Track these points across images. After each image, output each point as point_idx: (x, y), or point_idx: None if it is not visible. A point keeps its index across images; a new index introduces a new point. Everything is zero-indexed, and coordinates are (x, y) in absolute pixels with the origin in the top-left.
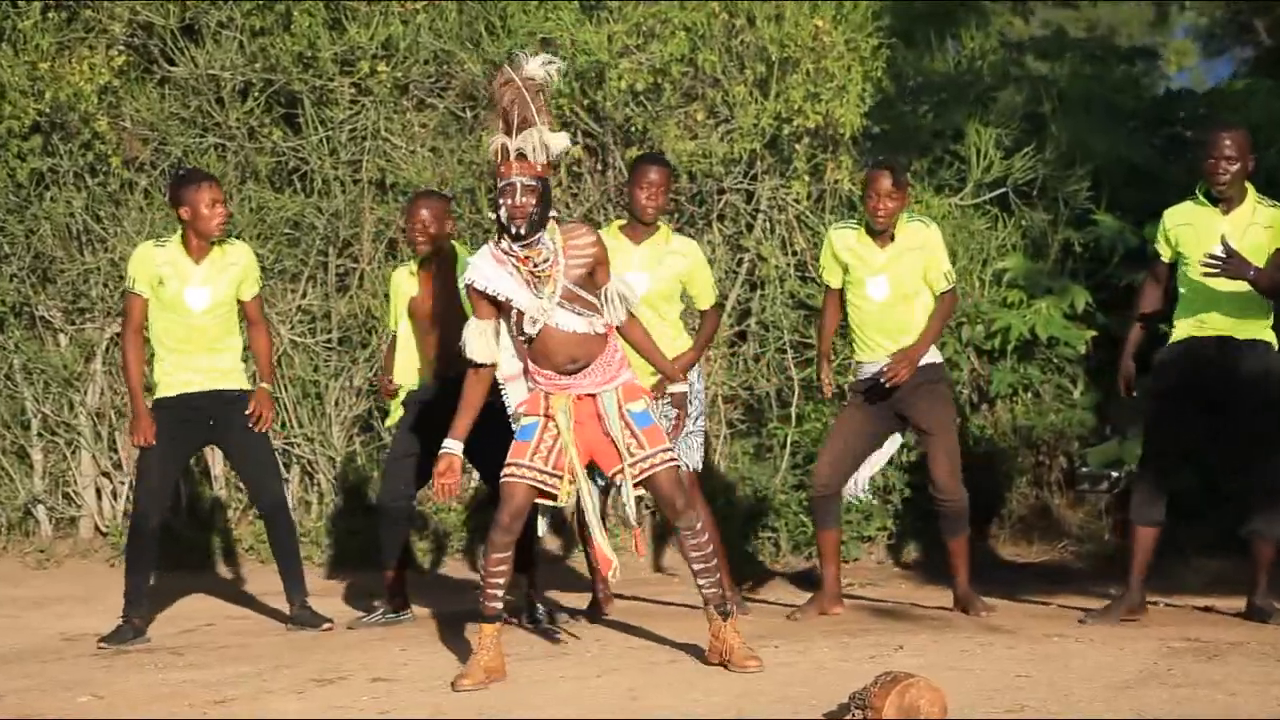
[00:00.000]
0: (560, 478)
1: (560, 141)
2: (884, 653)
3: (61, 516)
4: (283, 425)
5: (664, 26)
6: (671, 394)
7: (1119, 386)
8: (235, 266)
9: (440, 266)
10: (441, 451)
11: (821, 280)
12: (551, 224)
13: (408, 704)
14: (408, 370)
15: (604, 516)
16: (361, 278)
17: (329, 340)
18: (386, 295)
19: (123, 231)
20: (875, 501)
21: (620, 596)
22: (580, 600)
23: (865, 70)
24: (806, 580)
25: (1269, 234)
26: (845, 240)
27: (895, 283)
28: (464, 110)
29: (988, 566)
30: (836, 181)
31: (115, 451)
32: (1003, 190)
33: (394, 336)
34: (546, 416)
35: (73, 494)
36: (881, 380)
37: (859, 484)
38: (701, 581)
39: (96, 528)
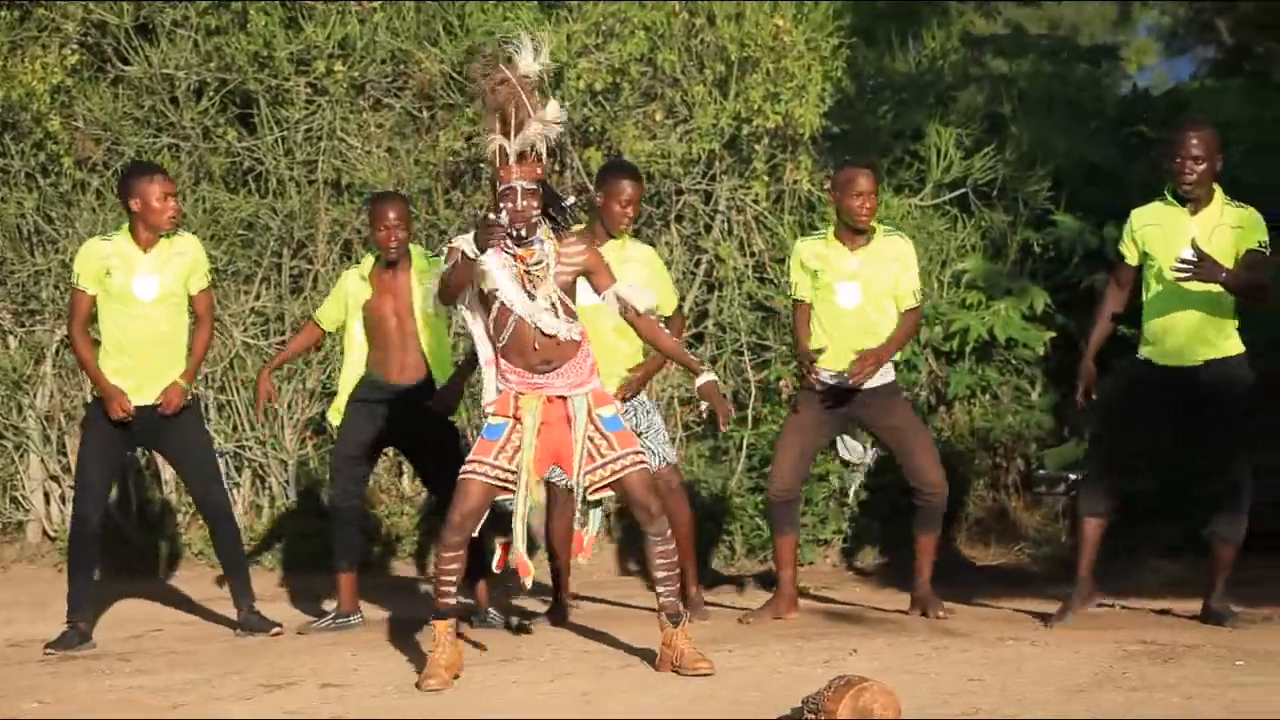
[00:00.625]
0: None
1: (555, 114)
2: (838, 657)
3: (9, 521)
4: (235, 428)
5: (623, 26)
6: (700, 388)
7: (1079, 391)
8: (183, 257)
9: (394, 269)
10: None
11: (791, 294)
12: (547, 229)
13: (358, 709)
14: (355, 372)
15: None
16: (316, 279)
17: (282, 342)
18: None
19: (74, 233)
20: (831, 505)
21: (585, 599)
22: (540, 606)
23: (825, 70)
24: (762, 583)
25: (1237, 234)
26: (813, 248)
27: (867, 290)
28: (420, 110)
29: (949, 569)
30: (795, 182)
31: (64, 455)
32: (962, 191)
33: (308, 325)
34: (515, 419)
35: (20, 498)
36: (846, 380)
37: (850, 448)
38: (661, 589)
39: (44, 532)
